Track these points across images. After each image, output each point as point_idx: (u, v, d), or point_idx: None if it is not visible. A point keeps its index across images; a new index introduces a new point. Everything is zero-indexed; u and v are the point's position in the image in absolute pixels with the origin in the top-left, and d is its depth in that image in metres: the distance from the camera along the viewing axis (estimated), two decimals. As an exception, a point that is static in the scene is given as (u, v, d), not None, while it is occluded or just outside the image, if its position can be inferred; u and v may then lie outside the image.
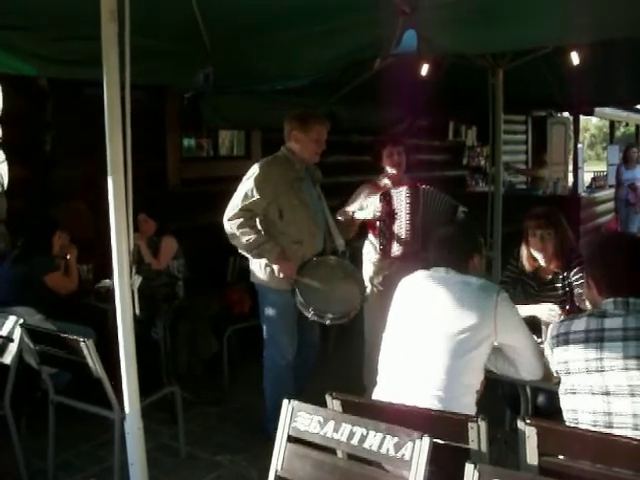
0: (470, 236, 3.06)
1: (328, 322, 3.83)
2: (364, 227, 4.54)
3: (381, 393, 2.71)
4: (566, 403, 2.31)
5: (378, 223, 4.39)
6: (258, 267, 3.93)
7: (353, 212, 4.40)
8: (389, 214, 4.31)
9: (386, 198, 4.31)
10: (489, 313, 2.61)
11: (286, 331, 3.96)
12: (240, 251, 3.85)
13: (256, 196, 3.73)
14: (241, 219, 3.74)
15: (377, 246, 4.41)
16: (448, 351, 2.57)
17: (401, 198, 4.29)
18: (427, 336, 2.64)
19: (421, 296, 2.79)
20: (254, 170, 3.83)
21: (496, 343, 2.65)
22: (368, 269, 4.59)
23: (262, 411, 4.10)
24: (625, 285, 2.28)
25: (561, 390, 2.34)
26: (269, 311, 3.99)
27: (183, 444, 4.02)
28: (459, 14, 3.32)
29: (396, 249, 4.34)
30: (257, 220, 3.81)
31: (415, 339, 2.68)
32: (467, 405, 2.55)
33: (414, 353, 2.65)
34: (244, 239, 3.74)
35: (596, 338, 2.22)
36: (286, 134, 3.97)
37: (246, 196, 3.75)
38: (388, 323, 2.86)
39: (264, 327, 4.05)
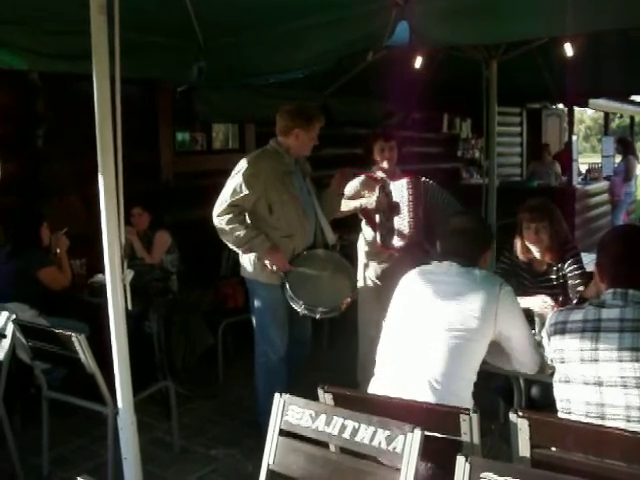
0: (487, 229, 3.00)
1: (319, 316, 3.81)
2: (357, 220, 4.54)
3: (378, 386, 2.68)
4: (560, 392, 2.32)
5: (377, 216, 4.38)
6: (248, 261, 3.91)
7: (346, 197, 4.40)
8: (389, 206, 4.30)
9: (385, 190, 4.30)
10: (491, 307, 2.56)
11: (277, 326, 3.94)
12: (230, 246, 3.84)
13: (245, 191, 3.71)
14: (230, 215, 3.71)
15: (377, 238, 4.39)
16: (448, 345, 2.53)
17: (402, 190, 4.27)
18: (427, 331, 2.60)
19: (423, 291, 2.73)
20: (242, 165, 3.80)
21: (495, 337, 2.62)
22: (363, 262, 4.59)
23: (256, 405, 4.09)
24: (626, 276, 2.28)
25: (555, 379, 2.34)
26: (259, 306, 3.97)
27: (177, 438, 4.02)
28: (452, 5, 3.31)
29: (397, 241, 4.32)
30: (246, 215, 3.80)
31: (415, 334, 2.64)
32: (464, 399, 2.52)
33: (414, 347, 2.62)
34: (234, 234, 3.72)
35: (593, 328, 2.22)
36: (282, 129, 3.88)
37: (234, 191, 3.72)
38: (388, 317, 2.82)
39: (255, 322, 4.04)
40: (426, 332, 2.60)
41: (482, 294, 2.59)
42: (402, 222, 4.30)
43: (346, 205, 4.40)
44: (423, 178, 4.38)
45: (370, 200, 4.34)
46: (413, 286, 2.80)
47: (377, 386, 2.69)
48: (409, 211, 4.26)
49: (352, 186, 4.49)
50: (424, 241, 4.25)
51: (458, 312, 2.57)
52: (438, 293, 2.67)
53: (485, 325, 2.56)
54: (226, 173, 3.88)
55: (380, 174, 4.54)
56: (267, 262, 3.78)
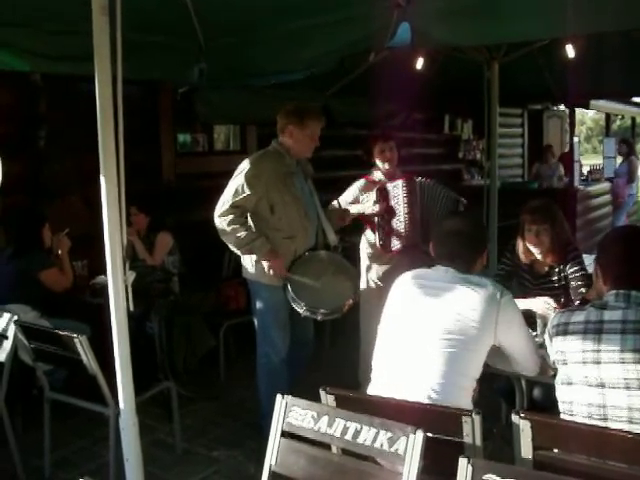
0: (483, 230, 2.95)
1: (320, 317, 3.80)
2: (359, 222, 4.54)
3: (375, 392, 2.63)
4: (562, 394, 2.31)
5: (376, 218, 4.38)
6: (250, 263, 3.91)
7: (346, 203, 4.40)
8: (387, 209, 4.31)
9: (382, 193, 4.31)
10: (491, 316, 2.50)
11: (279, 327, 3.93)
12: (230, 247, 3.83)
13: (247, 192, 3.71)
14: (231, 215, 3.71)
15: (376, 241, 4.41)
16: (445, 353, 2.48)
17: (398, 191, 4.29)
18: (424, 337, 2.54)
19: (417, 297, 2.66)
20: (244, 165, 3.80)
21: (495, 344, 2.57)
22: (366, 264, 4.59)
23: (258, 406, 4.09)
24: (628, 277, 2.28)
25: (557, 380, 2.34)
26: (261, 307, 3.96)
27: (179, 440, 4.02)
28: (454, 6, 3.32)
29: (396, 243, 4.34)
30: (248, 216, 3.80)
31: (411, 340, 2.58)
32: (464, 407, 2.45)
33: (410, 356, 2.56)
34: (235, 235, 3.71)
35: (595, 330, 2.21)
36: (280, 128, 3.91)
37: (236, 192, 3.72)
38: (382, 320, 2.75)
39: (257, 323, 4.03)
40: (422, 340, 2.54)
41: (482, 302, 2.51)
42: (399, 224, 4.31)
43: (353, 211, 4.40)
44: (419, 178, 4.38)
45: (368, 205, 4.36)
46: (407, 291, 2.73)
47: (375, 392, 2.64)
48: (405, 213, 4.29)
49: (351, 191, 4.51)
50: (421, 243, 4.25)
51: (456, 320, 2.50)
52: (434, 299, 2.59)
53: (485, 334, 2.51)
54: (228, 174, 3.88)
55: (379, 175, 4.54)
56: (265, 265, 3.78)
